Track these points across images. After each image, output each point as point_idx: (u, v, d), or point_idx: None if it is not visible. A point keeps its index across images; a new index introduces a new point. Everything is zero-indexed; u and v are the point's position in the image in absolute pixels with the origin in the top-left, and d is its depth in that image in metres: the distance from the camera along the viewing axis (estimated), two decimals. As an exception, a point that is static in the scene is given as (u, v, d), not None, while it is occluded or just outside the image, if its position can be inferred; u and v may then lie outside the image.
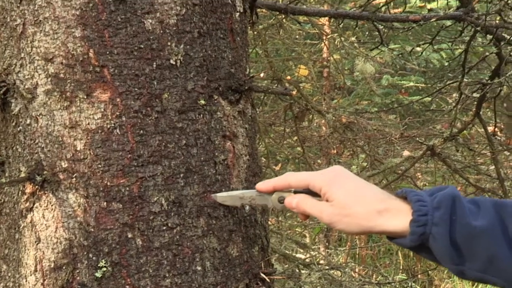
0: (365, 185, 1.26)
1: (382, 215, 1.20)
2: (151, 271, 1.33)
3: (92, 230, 1.32)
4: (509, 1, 3.24)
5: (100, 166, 1.32)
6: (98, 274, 1.31)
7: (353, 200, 1.22)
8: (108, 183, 1.32)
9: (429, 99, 6.34)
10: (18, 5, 1.36)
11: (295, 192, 1.29)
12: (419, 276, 6.55)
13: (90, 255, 1.32)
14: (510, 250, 1.15)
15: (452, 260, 1.17)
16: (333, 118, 4.47)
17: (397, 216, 1.20)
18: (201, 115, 1.38)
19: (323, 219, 1.24)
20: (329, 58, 6.50)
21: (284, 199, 1.30)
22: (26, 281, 1.36)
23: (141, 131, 1.33)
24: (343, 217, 1.22)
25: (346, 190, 1.23)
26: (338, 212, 1.22)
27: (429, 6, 6.18)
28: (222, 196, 1.37)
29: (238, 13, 1.49)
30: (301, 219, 1.33)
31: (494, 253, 1.15)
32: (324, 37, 5.76)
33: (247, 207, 1.43)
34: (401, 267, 6.92)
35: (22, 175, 1.36)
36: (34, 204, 1.36)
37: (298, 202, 1.27)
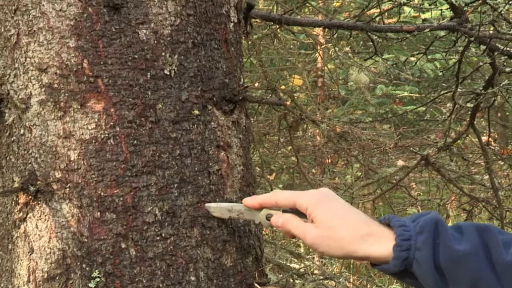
0: (350, 209, 1.26)
1: (365, 240, 1.20)
2: (144, 281, 1.32)
3: (86, 240, 1.31)
4: (502, 12, 3.25)
5: (94, 176, 1.32)
6: (92, 285, 1.30)
7: (337, 223, 1.22)
8: (102, 193, 1.32)
9: (423, 108, 6.36)
10: (12, 15, 1.36)
11: (284, 211, 1.30)
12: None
13: (84, 266, 1.31)
14: (493, 274, 1.14)
15: (436, 285, 1.16)
16: (328, 127, 4.48)
17: (380, 242, 1.19)
18: (195, 125, 1.38)
19: (306, 240, 1.24)
20: (323, 68, 6.52)
21: (271, 217, 1.31)
22: (19, 291, 1.36)
23: (135, 141, 1.33)
24: (326, 239, 1.21)
25: (331, 213, 1.23)
26: (321, 234, 1.22)
27: (423, 16, 6.20)
28: (212, 207, 1.37)
29: (232, 24, 1.49)
30: (289, 237, 1.34)
31: (477, 277, 1.14)
32: (319, 47, 5.77)
33: (242, 219, 1.43)
34: (395, 277, 6.90)
35: (16, 185, 1.35)
36: (27, 214, 1.35)
37: (284, 222, 1.28)
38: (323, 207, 1.24)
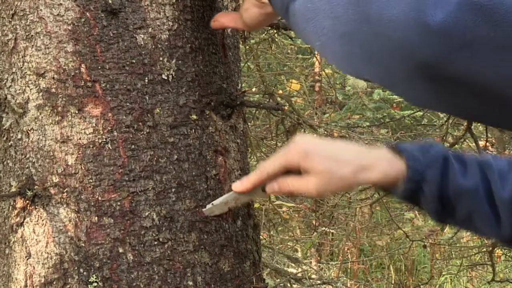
0: (339, 146, 1.29)
1: (366, 169, 1.24)
2: (142, 286, 1.32)
3: (83, 245, 1.31)
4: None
5: (91, 180, 1.32)
6: (89, 290, 1.30)
7: (334, 165, 1.24)
8: (99, 198, 1.32)
9: (421, 113, 6.36)
10: (10, 20, 1.36)
11: None
12: (411, 290, 6.54)
13: (81, 270, 1.31)
14: (490, 208, 1.20)
15: (437, 214, 1.24)
16: (325, 132, 4.48)
17: (377, 169, 1.24)
18: (193, 130, 1.38)
19: (311, 192, 1.25)
20: (320, 73, 6.52)
21: (265, 187, 1.31)
22: (16, 296, 1.36)
23: (133, 146, 1.33)
24: (330, 184, 1.24)
25: (324, 157, 1.24)
26: (323, 181, 1.24)
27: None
28: (209, 209, 1.36)
29: (230, 28, 1.49)
30: (288, 196, 1.36)
31: (475, 209, 1.21)
32: (316, 52, 5.78)
33: (239, 222, 1.43)
34: (393, 282, 6.91)
35: (13, 189, 1.35)
36: (24, 219, 1.35)
37: (280, 185, 1.28)
38: (314, 156, 1.24)
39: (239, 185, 1.31)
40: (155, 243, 1.33)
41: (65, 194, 1.32)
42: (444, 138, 4.18)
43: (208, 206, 1.37)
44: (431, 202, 1.23)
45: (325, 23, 1.00)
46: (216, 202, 1.36)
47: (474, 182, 1.22)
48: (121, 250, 1.32)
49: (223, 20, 1.37)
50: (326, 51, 1.04)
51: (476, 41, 0.82)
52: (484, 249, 4.90)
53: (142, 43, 1.34)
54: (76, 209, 1.32)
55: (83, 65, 1.32)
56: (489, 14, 0.80)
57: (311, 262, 5.97)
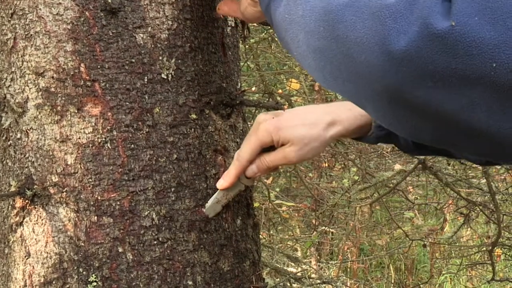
0: (302, 111, 1.37)
1: (332, 126, 1.32)
2: (141, 285, 1.32)
3: (83, 244, 1.31)
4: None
5: (90, 180, 1.31)
6: (88, 289, 1.30)
7: (304, 129, 1.31)
8: (99, 198, 1.31)
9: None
10: (9, 19, 1.36)
11: None
12: (410, 289, 6.55)
13: (81, 270, 1.31)
14: None
15: (410, 149, 1.33)
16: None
17: (342, 123, 1.32)
18: (193, 129, 1.38)
19: (292, 160, 1.32)
20: (320, 72, 6.50)
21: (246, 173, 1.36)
22: (15, 296, 1.36)
23: (132, 145, 1.33)
24: (307, 146, 1.30)
25: (293, 125, 1.31)
26: (299, 147, 1.30)
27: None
28: (205, 211, 1.38)
29: (229, 28, 1.49)
30: (272, 171, 1.42)
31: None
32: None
33: (238, 221, 1.43)
34: (392, 281, 6.91)
35: (12, 189, 1.35)
36: (24, 218, 1.35)
37: (258, 165, 1.34)
38: (285, 127, 1.31)
39: (223, 182, 1.36)
40: (155, 242, 1.33)
41: (64, 193, 1.32)
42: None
43: (204, 210, 1.38)
44: (404, 141, 1.31)
45: (299, 36, 1.01)
46: (207, 204, 1.38)
47: None
48: (120, 250, 1.31)
49: (226, 8, 1.37)
50: (302, 63, 1.05)
51: (437, 71, 0.82)
52: (484, 248, 4.90)
53: (142, 42, 1.34)
54: (76, 209, 1.31)
55: (82, 65, 1.32)
56: (451, 46, 0.80)
57: (310, 262, 5.97)
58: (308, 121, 1.32)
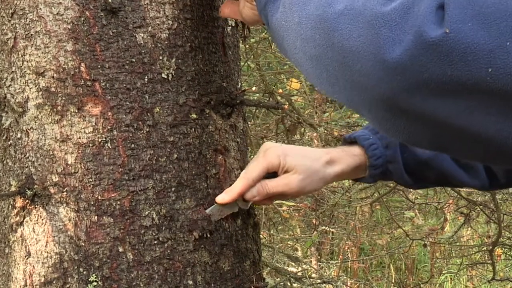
0: (304, 148, 1.45)
1: (330, 164, 1.37)
2: (142, 285, 1.32)
3: (83, 244, 1.31)
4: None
5: (91, 180, 1.31)
6: (89, 289, 1.30)
7: (309, 161, 1.35)
8: (99, 197, 1.31)
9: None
10: (9, 19, 1.36)
11: None
12: (411, 289, 6.54)
13: (81, 270, 1.31)
14: (457, 164, 1.35)
15: (409, 184, 1.39)
16: (325, 131, 4.48)
17: (340, 162, 1.38)
18: (193, 129, 1.38)
19: (293, 188, 1.35)
20: (321, 72, 6.50)
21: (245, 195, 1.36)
22: (16, 296, 1.36)
23: (133, 145, 1.33)
24: (309, 178, 1.34)
25: (300, 155, 1.36)
26: (303, 177, 1.34)
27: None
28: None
29: (230, 27, 1.49)
30: (267, 204, 1.44)
31: (443, 171, 1.36)
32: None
33: (239, 221, 1.43)
34: (393, 281, 6.91)
35: (13, 189, 1.35)
36: (24, 218, 1.35)
37: (258, 189, 1.35)
38: (291, 156, 1.35)
39: (224, 197, 1.35)
40: (155, 242, 1.33)
41: (64, 193, 1.32)
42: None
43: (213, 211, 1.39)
44: (401, 178, 1.36)
45: (296, 43, 1.01)
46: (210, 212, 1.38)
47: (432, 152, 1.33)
48: (121, 250, 1.31)
49: (227, 10, 1.38)
50: (300, 68, 1.06)
51: (433, 79, 0.82)
52: (484, 248, 4.90)
53: (142, 42, 1.34)
54: (76, 209, 1.31)
55: (82, 64, 1.32)
56: (446, 53, 0.80)
57: (311, 261, 5.97)
58: (310, 156, 1.37)
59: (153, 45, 1.35)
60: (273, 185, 1.35)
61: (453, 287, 6.80)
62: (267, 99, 3.86)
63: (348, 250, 6.82)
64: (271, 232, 5.21)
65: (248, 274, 1.45)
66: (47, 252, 1.32)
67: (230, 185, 1.42)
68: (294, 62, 1.07)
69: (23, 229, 1.35)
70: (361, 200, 5.03)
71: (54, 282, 1.32)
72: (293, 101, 4.44)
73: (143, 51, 1.34)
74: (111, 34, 1.32)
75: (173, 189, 1.35)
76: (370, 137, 1.38)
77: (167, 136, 1.35)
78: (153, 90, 1.34)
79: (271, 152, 1.36)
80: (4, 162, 1.39)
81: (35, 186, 1.33)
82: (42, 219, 1.33)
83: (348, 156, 1.38)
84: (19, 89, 1.35)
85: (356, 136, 1.41)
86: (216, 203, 1.37)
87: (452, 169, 1.37)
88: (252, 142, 3.89)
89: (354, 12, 0.89)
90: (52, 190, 1.32)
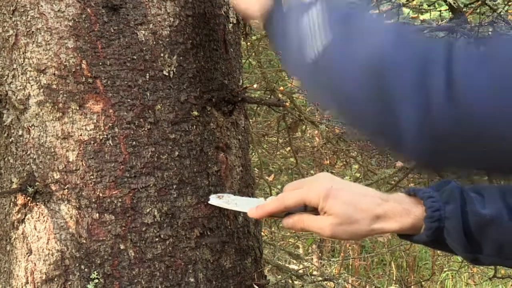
0: (359, 191, 1.30)
1: (381, 219, 1.27)
2: (143, 282, 1.32)
3: (84, 241, 1.31)
4: (501, 13, 3.25)
5: (92, 177, 1.31)
6: (90, 286, 1.30)
7: (352, 210, 1.26)
8: (101, 195, 1.31)
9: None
10: (11, 16, 1.36)
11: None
12: (412, 287, 6.55)
13: (82, 267, 1.31)
14: None
15: (466, 249, 1.24)
16: (326, 129, 4.48)
17: (394, 219, 1.26)
18: (194, 126, 1.38)
19: (325, 234, 1.28)
20: (322, 69, 6.50)
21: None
22: (17, 293, 1.36)
23: (134, 142, 1.33)
24: (344, 227, 1.26)
25: (344, 202, 1.27)
26: (338, 223, 1.26)
27: (422, 17, 6.20)
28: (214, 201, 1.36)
29: (231, 24, 1.49)
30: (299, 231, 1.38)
31: (504, 239, 1.22)
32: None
33: (240, 219, 1.43)
34: (394, 278, 6.91)
35: (14, 186, 1.35)
36: (25, 215, 1.35)
37: (295, 222, 1.30)
38: (334, 200, 1.27)
39: (255, 212, 1.33)
40: (157, 239, 1.33)
41: (66, 190, 1.32)
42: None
43: (217, 201, 1.37)
44: (457, 238, 1.24)
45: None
46: (224, 205, 1.36)
47: (496, 210, 1.22)
48: (122, 247, 1.31)
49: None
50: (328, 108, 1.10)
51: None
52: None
53: (143, 39, 1.34)
54: (77, 206, 1.31)
55: (84, 61, 1.31)
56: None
57: (312, 259, 5.98)
58: (360, 205, 1.27)
59: (154, 42, 1.34)
60: (309, 223, 1.29)
61: (454, 285, 6.80)
62: (269, 96, 3.86)
63: (349, 248, 6.82)
64: (273, 229, 5.21)
65: (249, 272, 1.45)
66: (49, 249, 1.32)
67: (232, 182, 1.42)
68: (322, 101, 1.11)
69: (25, 226, 1.35)
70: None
71: (55, 279, 1.32)
72: (294, 98, 4.44)
73: (144, 48, 1.34)
74: (112, 31, 1.32)
75: (174, 186, 1.35)
76: (430, 191, 1.27)
77: (168, 134, 1.35)
78: (155, 87, 1.34)
79: (315, 188, 1.29)
80: (6, 159, 1.38)
81: (37, 183, 1.33)
82: (44, 217, 1.33)
83: (407, 214, 1.27)
84: (20, 86, 1.35)
85: (415, 189, 1.31)
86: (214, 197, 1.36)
87: None
88: (253, 140, 3.89)
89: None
90: (53, 188, 1.32)
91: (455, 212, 1.23)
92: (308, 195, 1.29)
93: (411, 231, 1.28)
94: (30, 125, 1.34)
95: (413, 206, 1.27)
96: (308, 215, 1.30)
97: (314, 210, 1.29)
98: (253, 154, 4.19)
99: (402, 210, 1.27)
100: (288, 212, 1.33)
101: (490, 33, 3.42)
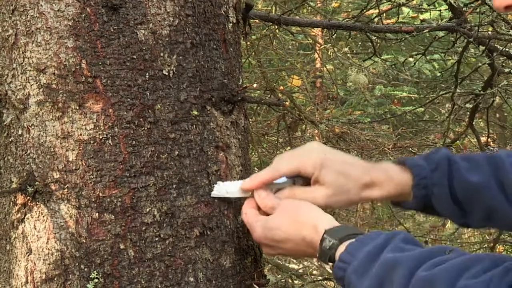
0: (348, 161, 1.34)
1: (368, 188, 1.31)
2: (143, 282, 1.32)
3: (84, 241, 1.31)
4: (501, 12, 3.25)
5: (92, 177, 1.31)
6: (90, 286, 1.30)
7: (342, 179, 1.30)
8: (100, 194, 1.31)
9: (422, 109, 6.35)
10: (10, 15, 1.36)
11: None
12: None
13: (82, 266, 1.31)
14: (507, 201, 1.24)
15: (454, 215, 1.29)
16: (326, 128, 4.48)
17: (379, 186, 1.30)
18: (194, 126, 1.38)
19: (319, 202, 1.30)
20: (322, 69, 6.52)
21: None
22: (17, 292, 1.36)
23: (134, 142, 1.33)
24: (336, 196, 1.30)
25: (335, 170, 1.30)
26: (332, 193, 1.29)
27: (421, 17, 6.20)
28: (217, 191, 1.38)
29: (231, 24, 1.49)
30: None
31: (492, 205, 1.24)
32: (317, 48, 5.77)
33: (240, 218, 1.43)
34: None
35: (14, 185, 1.35)
36: (25, 215, 1.35)
37: (288, 196, 1.33)
38: (327, 169, 1.30)
39: (249, 182, 1.34)
40: (156, 239, 1.33)
41: (66, 190, 1.32)
42: (446, 134, 4.18)
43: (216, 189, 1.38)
44: (445, 203, 1.26)
45: None
46: (222, 192, 1.37)
47: (484, 176, 1.24)
48: (122, 246, 1.31)
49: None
50: None
51: None
52: (486, 245, 4.90)
53: (143, 38, 1.34)
54: (77, 205, 1.31)
55: (83, 61, 1.31)
56: None
57: (312, 258, 5.98)
58: (349, 173, 1.30)
59: (154, 42, 1.34)
60: (302, 195, 1.32)
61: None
62: (269, 96, 3.86)
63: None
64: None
65: (249, 271, 1.45)
66: (48, 249, 1.32)
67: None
68: None
69: (24, 226, 1.35)
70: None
71: (55, 279, 1.32)
72: (294, 98, 4.44)
73: (144, 48, 1.34)
74: (112, 30, 1.32)
75: (174, 186, 1.35)
76: (418, 160, 1.31)
77: (168, 133, 1.35)
78: (154, 87, 1.34)
79: (311, 158, 1.31)
80: (5, 159, 1.38)
81: (36, 183, 1.33)
82: (43, 216, 1.33)
83: (391, 181, 1.31)
84: (20, 85, 1.35)
85: (405, 158, 1.34)
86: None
87: (502, 203, 1.26)
88: (253, 139, 3.89)
89: None
90: (53, 187, 1.32)
91: (443, 178, 1.26)
92: (303, 164, 1.31)
93: (400, 198, 1.31)
94: (30, 125, 1.34)
95: (399, 174, 1.30)
96: (298, 187, 1.33)
97: (304, 183, 1.32)
98: (253, 153, 4.19)
99: (387, 178, 1.30)
100: (277, 189, 1.34)
101: (490, 33, 3.42)
